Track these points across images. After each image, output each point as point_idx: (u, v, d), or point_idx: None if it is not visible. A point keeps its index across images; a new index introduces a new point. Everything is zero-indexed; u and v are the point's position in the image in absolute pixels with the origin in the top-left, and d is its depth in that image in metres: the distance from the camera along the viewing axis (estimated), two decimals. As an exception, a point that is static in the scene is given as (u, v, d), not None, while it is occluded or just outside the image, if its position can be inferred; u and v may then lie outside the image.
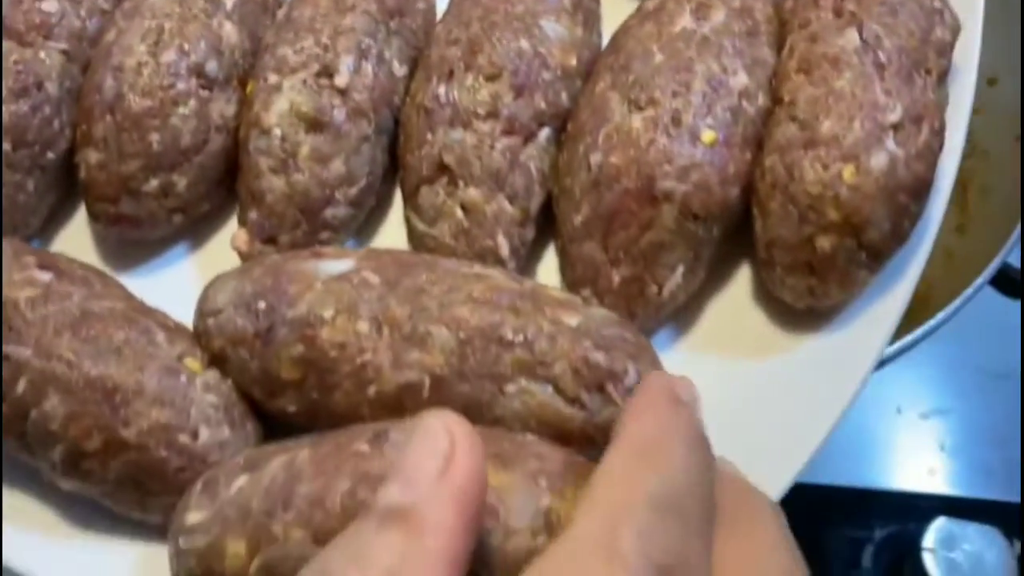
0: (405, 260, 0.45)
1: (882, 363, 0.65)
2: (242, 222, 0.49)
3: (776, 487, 0.42)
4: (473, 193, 0.47)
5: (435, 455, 0.29)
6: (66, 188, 0.51)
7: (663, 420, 0.31)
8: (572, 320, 0.42)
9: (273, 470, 0.38)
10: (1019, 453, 0.82)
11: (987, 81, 0.82)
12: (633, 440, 0.30)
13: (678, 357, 0.45)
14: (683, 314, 0.47)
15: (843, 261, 0.43)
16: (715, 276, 0.47)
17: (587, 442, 0.41)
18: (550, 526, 0.34)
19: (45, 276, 0.44)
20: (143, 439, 0.41)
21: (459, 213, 0.47)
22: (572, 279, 0.47)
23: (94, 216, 0.49)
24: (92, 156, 0.48)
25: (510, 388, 0.41)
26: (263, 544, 0.36)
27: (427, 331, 0.41)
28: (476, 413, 0.41)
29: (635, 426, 0.31)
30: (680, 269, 0.45)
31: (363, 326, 0.42)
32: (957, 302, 0.66)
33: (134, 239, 0.50)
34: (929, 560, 0.70)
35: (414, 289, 0.43)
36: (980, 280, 0.68)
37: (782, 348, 0.45)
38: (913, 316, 0.66)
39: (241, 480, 0.38)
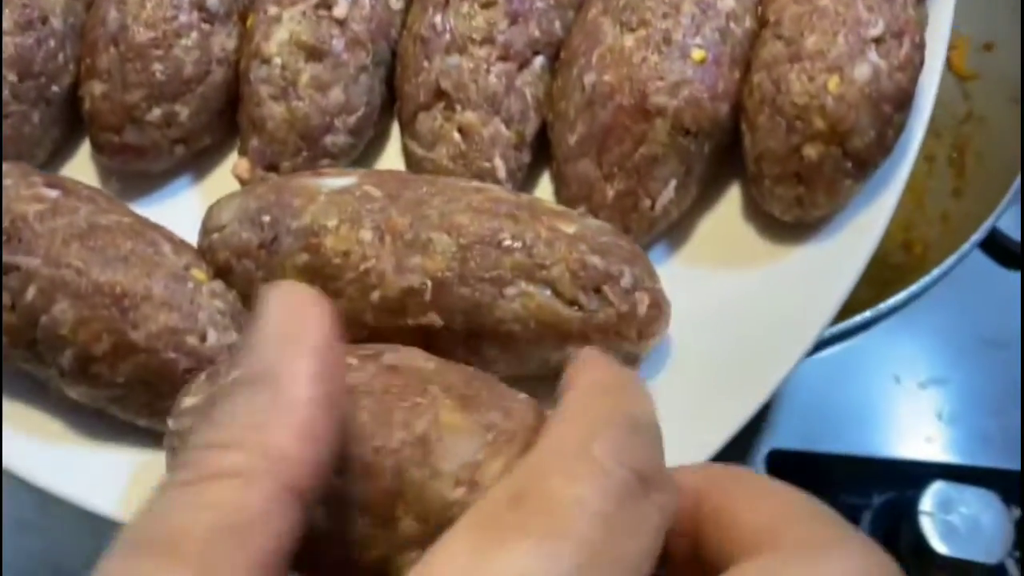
0: (405, 177, 0.46)
1: (876, 320, 0.66)
2: (243, 151, 0.50)
3: (767, 385, 0.43)
4: (470, 116, 0.48)
5: (276, 319, 0.29)
6: (70, 124, 0.52)
7: (613, 371, 0.31)
8: (569, 228, 0.43)
9: None
10: (1017, 421, 0.82)
11: (983, 47, 0.83)
12: (590, 383, 0.30)
13: (671, 271, 0.46)
14: (675, 231, 0.48)
15: (830, 169, 0.44)
16: (706, 196, 0.49)
17: (585, 342, 0.42)
18: (472, 483, 0.32)
19: (52, 193, 0.44)
20: (152, 342, 0.41)
21: (456, 136, 0.48)
22: (567, 197, 0.48)
23: (98, 147, 0.50)
24: (96, 87, 0.49)
25: (510, 291, 0.42)
26: None
27: (428, 238, 0.42)
28: (477, 316, 0.42)
29: (587, 375, 0.31)
30: (672, 183, 0.46)
31: (366, 234, 0.43)
32: (952, 259, 0.66)
33: (137, 171, 0.51)
34: (927, 523, 0.70)
35: (415, 200, 0.44)
36: (975, 237, 0.68)
37: (772, 258, 0.46)
38: (909, 278, 0.67)
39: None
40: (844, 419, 0.85)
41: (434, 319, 0.42)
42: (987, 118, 0.83)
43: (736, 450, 0.85)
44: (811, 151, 0.44)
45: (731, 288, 0.46)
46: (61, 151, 0.52)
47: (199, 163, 0.52)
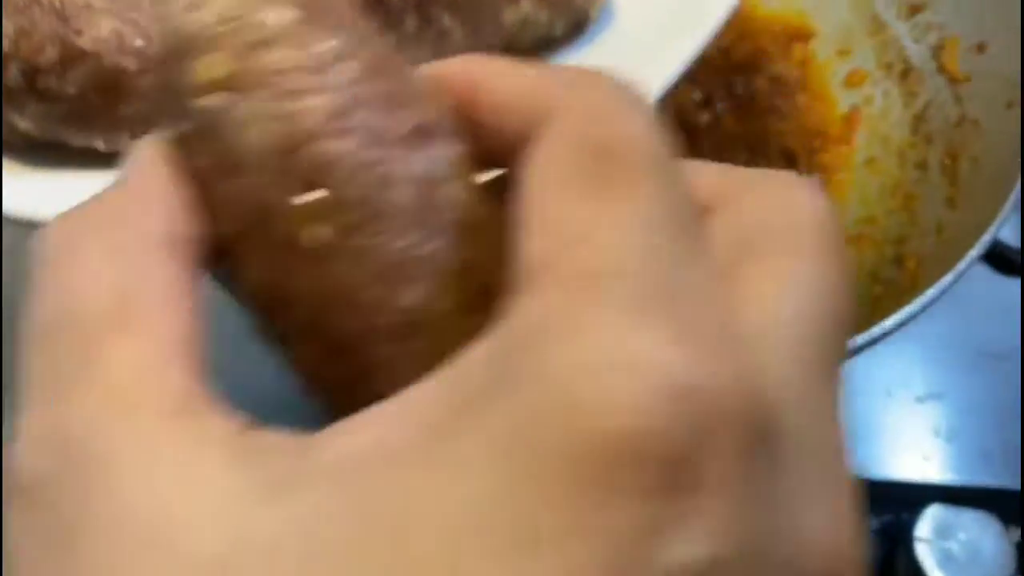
0: None
1: (873, 342, 0.60)
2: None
3: (710, 25, 0.43)
4: None
5: None
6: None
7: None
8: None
9: None
10: (1017, 436, 0.79)
11: (976, 48, 0.78)
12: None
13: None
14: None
15: None
16: None
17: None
18: None
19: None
20: (98, 46, 0.40)
21: None
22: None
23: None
24: None
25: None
26: None
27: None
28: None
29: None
30: None
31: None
32: (949, 277, 0.61)
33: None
34: (923, 550, 0.67)
35: None
36: (973, 252, 0.61)
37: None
38: (903, 293, 0.62)
39: None
40: (836, 437, 0.81)
41: (384, -15, 0.42)
42: (981, 122, 0.77)
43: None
44: None
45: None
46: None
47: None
